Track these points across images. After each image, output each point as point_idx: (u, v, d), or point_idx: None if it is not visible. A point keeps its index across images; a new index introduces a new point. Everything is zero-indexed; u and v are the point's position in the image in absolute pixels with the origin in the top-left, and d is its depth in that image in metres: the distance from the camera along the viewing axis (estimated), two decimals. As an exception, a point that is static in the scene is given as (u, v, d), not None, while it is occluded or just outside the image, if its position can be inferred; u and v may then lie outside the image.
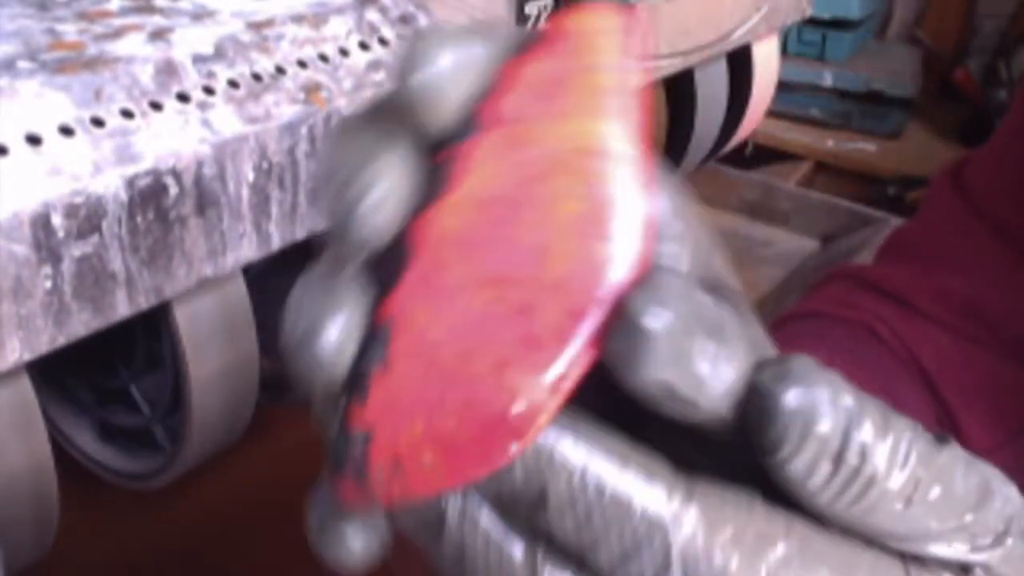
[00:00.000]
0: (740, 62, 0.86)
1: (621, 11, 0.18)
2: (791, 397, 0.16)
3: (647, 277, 0.16)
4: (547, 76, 0.17)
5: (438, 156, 0.17)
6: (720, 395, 0.17)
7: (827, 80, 1.53)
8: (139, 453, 0.56)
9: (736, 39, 0.77)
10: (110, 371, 0.56)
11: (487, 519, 0.18)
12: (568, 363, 0.16)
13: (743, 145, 1.02)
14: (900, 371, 0.48)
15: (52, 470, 0.42)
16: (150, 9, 0.46)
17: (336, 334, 0.17)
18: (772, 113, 1.05)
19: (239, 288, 0.48)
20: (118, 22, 0.44)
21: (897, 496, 0.17)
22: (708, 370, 0.16)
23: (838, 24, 1.51)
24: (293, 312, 0.18)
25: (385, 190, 0.17)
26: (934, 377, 0.47)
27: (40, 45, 0.40)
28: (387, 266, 0.18)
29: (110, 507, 0.56)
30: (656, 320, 0.16)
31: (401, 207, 0.17)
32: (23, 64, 0.39)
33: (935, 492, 0.18)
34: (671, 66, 0.72)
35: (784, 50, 1.18)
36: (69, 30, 0.42)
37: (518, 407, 0.16)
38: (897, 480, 0.17)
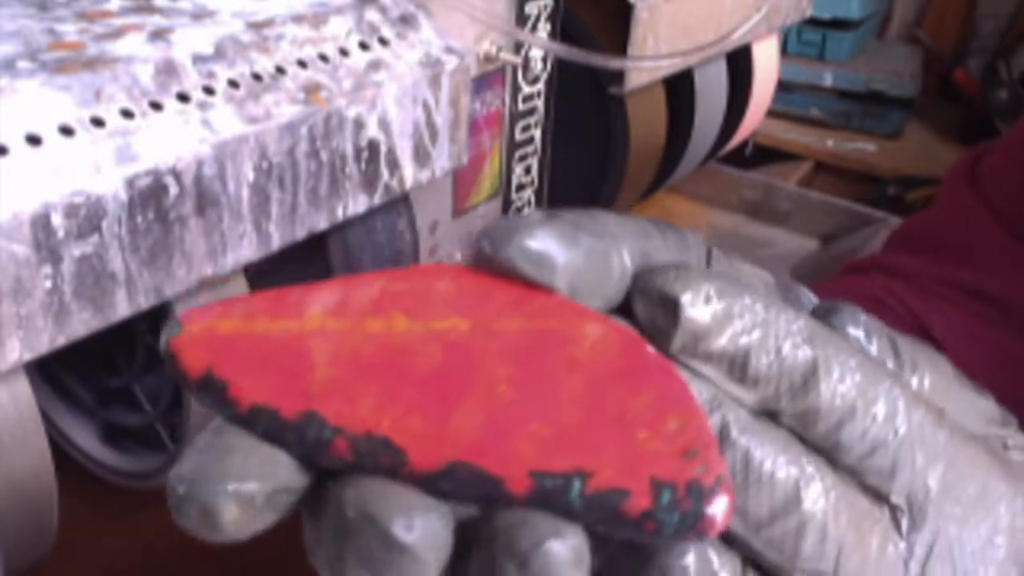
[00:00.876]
0: (740, 62, 0.86)
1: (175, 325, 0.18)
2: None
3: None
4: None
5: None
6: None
7: (827, 80, 1.53)
8: (140, 453, 0.56)
9: (736, 39, 0.77)
10: (111, 370, 0.56)
11: None
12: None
13: (743, 145, 1.02)
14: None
15: (52, 471, 0.42)
16: (150, 9, 0.46)
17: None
18: (772, 113, 1.05)
19: (240, 288, 0.48)
20: (118, 22, 0.44)
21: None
22: None
23: (838, 24, 1.51)
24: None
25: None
26: (943, 346, 0.47)
27: (40, 45, 0.40)
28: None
29: (110, 507, 0.56)
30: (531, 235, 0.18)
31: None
32: (23, 64, 0.39)
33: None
34: (671, 66, 0.72)
35: (784, 50, 1.18)
36: (69, 30, 0.42)
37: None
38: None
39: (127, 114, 0.39)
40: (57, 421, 0.57)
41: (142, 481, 0.55)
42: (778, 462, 0.19)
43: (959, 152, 1.52)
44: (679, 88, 0.80)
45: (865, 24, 1.56)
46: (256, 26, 0.45)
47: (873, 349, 0.21)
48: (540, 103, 0.64)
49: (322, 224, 0.47)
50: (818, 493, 0.19)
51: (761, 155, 1.40)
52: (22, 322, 0.36)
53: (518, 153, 0.64)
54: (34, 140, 0.36)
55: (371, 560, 0.16)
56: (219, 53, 0.43)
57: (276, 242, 0.45)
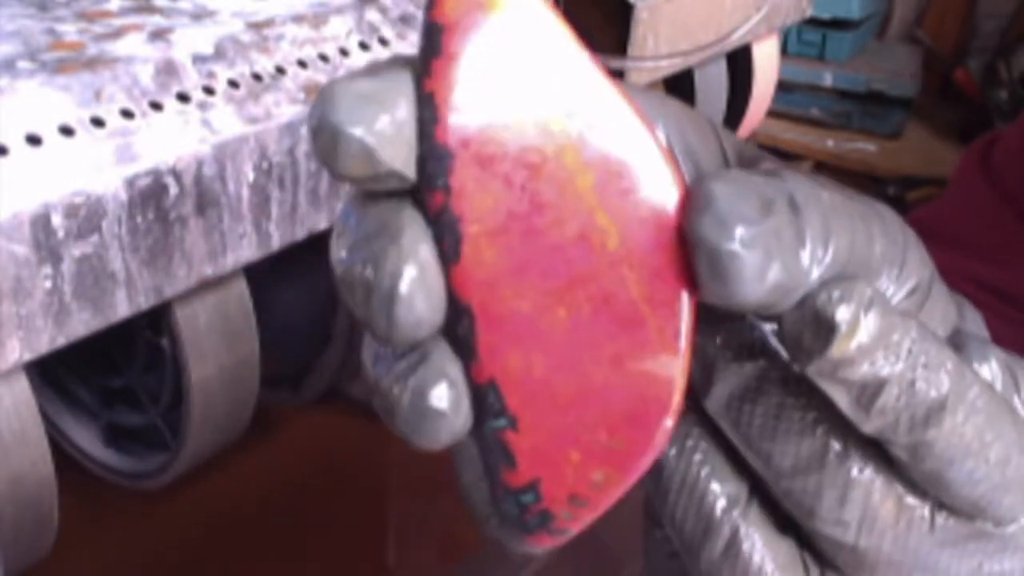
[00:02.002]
0: (740, 62, 0.86)
1: None
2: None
3: (695, 197, 0.16)
4: (477, 69, 0.16)
5: (430, 203, 0.16)
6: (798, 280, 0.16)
7: (827, 80, 1.53)
8: (140, 453, 0.56)
9: (736, 39, 0.77)
10: (111, 369, 0.56)
11: None
12: (680, 322, 0.16)
13: (743, 145, 1.02)
14: None
15: (52, 471, 0.42)
16: (150, 9, 0.46)
17: (446, 396, 0.17)
18: (772, 113, 1.05)
19: (240, 288, 0.48)
20: (118, 22, 0.44)
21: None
22: (797, 261, 0.16)
23: (838, 24, 1.51)
24: (387, 381, 0.17)
25: (415, 276, 0.16)
26: None
27: (40, 45, 0.40)
28: (452, 330, 0.17)
29: (110, 507, 0.56)
30: (732, 240, 0.15)
31: (435, 274, 0.16)
32: (23, 64, 0.39)
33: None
34: (671, 66, 0.72)
35: (784, 50, 1.18)
36: (69, 30, 0.42)
37: (655, 389, 0.16)
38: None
39: (127, 114, 0.39)
40: (58, 421, 0.57)
41: (143, 481, 0.55)
42: (878, 500, 0.18)
43: (959, 152, 1.52)
44: (679, 88, 0.80)
45: (865, 24, 1.56)
46: (256, 26, 0.45)
47: (998, 385, 0.19)
48: (540, 103, 0.64)
49: (322, 224, 0.47)
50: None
51: (761, 155, 1.40)
52: (22, 322, 0.36)
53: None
54: (34, 140, 0.36)
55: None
56: (219, 53, 0.43)
57: (276, 242, 0.45)
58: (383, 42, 0.49)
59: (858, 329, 0.17)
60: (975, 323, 0.22)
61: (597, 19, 0.71)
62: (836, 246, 0.17)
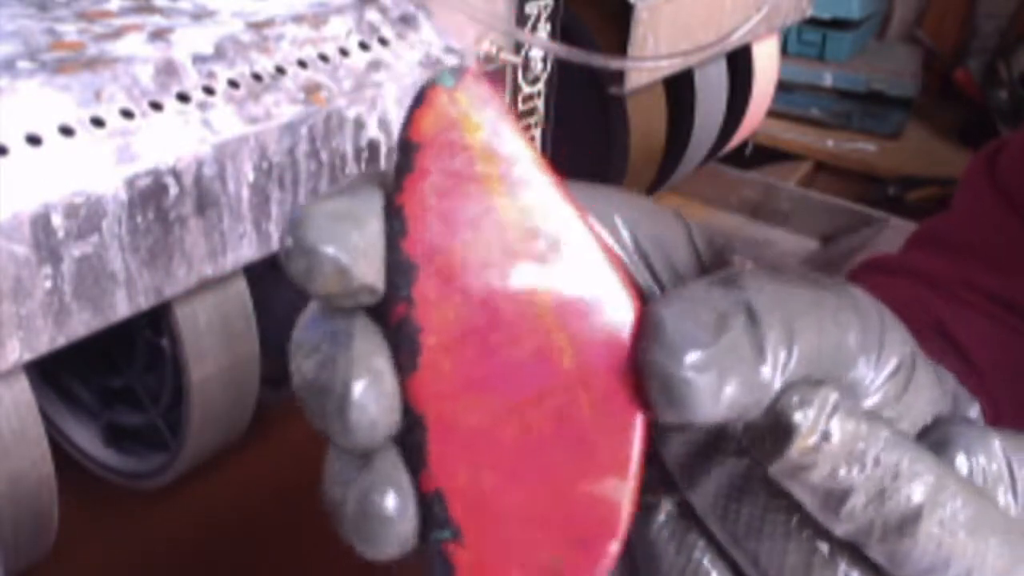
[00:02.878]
0: (740, 62, 0.86)
1: (458, 74, 0.17)
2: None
3: (645, 323, 0.16)
4: (447, 186, 0.16)
5: (392, 313, 0.17)
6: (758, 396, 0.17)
7: (827, 80, 1.53)
8: (140, 453, 0.56)
9: (736, 39, 0.77)
10: (111, 369, 0.56)
11: None
12: (632, 448, 0.16)
13: (743, 145, 1.02)
14: (934, 343, 0.47)
15: (52, 471, 0.42)
16: (150, 9, 0.46)
17: (392, 503, 0.17)
18: (772, 113, 1.05)
19: (240, 288, 0.48)
20: (118, 22, 0.44)
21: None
22: (758, 377, 0.16)
23: (838, 24, 1.51)
24: (335, 487, 0.18)
25: (367, 382, 0.16)
26: (971, 354, 0.47)
27: (40, 45, 0.40)
28: (404, 439, 0.17)
29: (110, 507, 0.56)
30: (682, 366, 0.16)
31: (389, 381, 0.17)
32: (23, 64, 0.39)
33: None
34: (671, 66, 0.72)
35: (784, 50, 1.18)
36: (69, 30, 0.42)
37: (602, 512, 0.16)
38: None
39: (127, 114, 0.39)
40: (58, 421, 0.57)
41: (143, 481, 0.55)
42: None
43: (959, 152, 1.53)
44: (679, 88, 0.80)
45: (865, 24, 1.56)
46: (256, 26, 0.45)
47: (989, 476, 0.19)
48: (540, 103, 0.64)
49: (322, 224, 0.47)
50: None
51: (761, 155, 1.40)
52: (22, 322, 0.36)
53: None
54: (34, 140, 0.36)
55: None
56: (219, 53, 0.43)
57: (276, 242, 0.45)
58: (383, 42, 0.49)
59: (815, 433, 0.17)
60: (970, 407, 0.22)
61: (597, 19, 0.71)
62: (801, 347, 0.17)
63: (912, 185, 1.42)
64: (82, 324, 0.38)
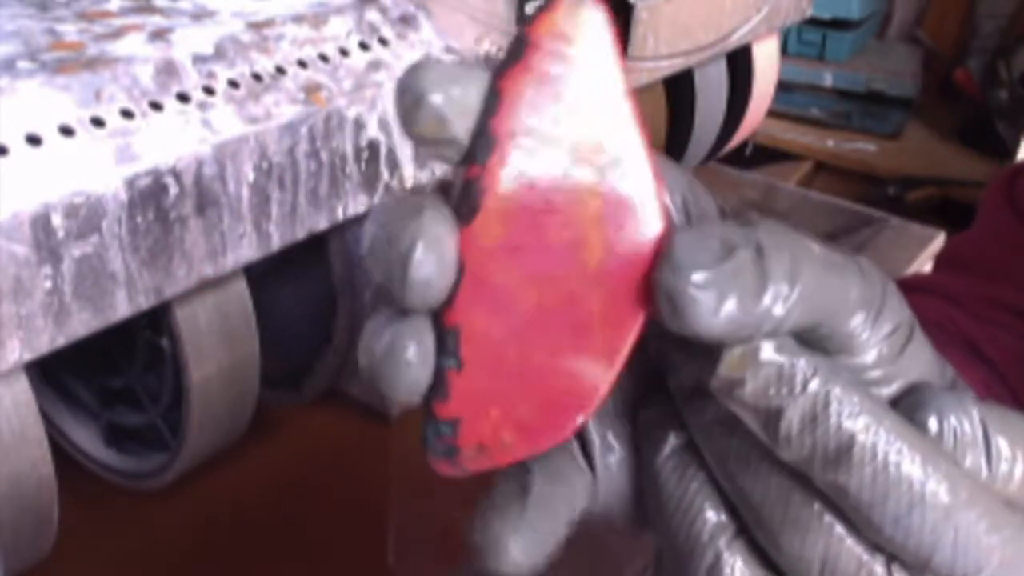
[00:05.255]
0: (740, 62, 0.86)
1: (594, 2, 0.19)
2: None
3: (664, 246, 0.19)
4: (544, 84, 0.19)
5: (467, 173, 0.19)
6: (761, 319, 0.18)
7: (827, 80, 1.53)
8: (140, 453, 0.56)
9: (736, 39, 0.77)
10: (111, 369, 0.56)
11: None
12: (624, 345, 0.19)
13: (743, 145, 1.02)
14: (965, 357, 0.49)
15: (52, 471, 0.42)
16: (150, 9, 0.46)
17: (414, 349, 0.19)
18: (772, 113, 1.05)
19: (240, 288, 0.48)
20: (118, 22, 0.44)
21: None
22: (760, 304, 0.18)
23: (838, 24, 1.51)
24: (374, 343, 0.20)
25: (429, 244, 0.19)
26: (1000, 367, 0.48)
27: (40, 45, 0.40)
28: None
29: (110, 507, 0.56)
30: (687, 283, 0.18)
31: (449, 255, 0.19)
32: (23, 64, 0.39)
33: None
34: (671, 66, 0.72)
35: (784, 50, 1.18)
36: (69, 30, 0.42)
37: (581, 388, 0.19)
38: None
39: (127, 114, 0.39)
40: (58, 422, 0.57)
41: (143, 481, 0.55)
42: (837, 547, 0.19)
43: (959, 152, 1.53)
44: (679, 88, 0.80)
45: (865, 24, 1.56)
46: (256, 26, 0.45)
47: (961, 440, 0.20)
48: (540, 103, 0.64)
49: (322, 224, 0.47)
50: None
51: (761, 155, 1.40)
52: (22, 322, 0.36)
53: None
54: (34, 140, 0.36)
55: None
56: (219, 53, 0.43)
57: (276, 242, 0.45)
58: (383, 42, 0.49)
59: (744, 350, 0.19)
60: (965, 392, 0.23)
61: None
62: (804, 286, 0.18)
63: (912, 185, 1.42)
64: (82, 324, 0.38)
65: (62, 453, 0.56)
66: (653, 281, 0.18)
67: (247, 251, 0.44)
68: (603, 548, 0.56)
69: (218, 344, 0.48)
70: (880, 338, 0.20)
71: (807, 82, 1.53)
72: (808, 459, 0.19)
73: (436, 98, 0.18)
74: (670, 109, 0.80)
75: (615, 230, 0.19)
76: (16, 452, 0.40)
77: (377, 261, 0.19)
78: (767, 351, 0.19)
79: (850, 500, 0.19)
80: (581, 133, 0.19)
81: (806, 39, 1.52)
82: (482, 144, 0.19)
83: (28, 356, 0.37)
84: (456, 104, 0.19)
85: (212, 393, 0.48)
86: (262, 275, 0.49)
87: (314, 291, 0.56)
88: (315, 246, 0.52)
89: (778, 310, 0.18)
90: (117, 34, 0.42)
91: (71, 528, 0.45)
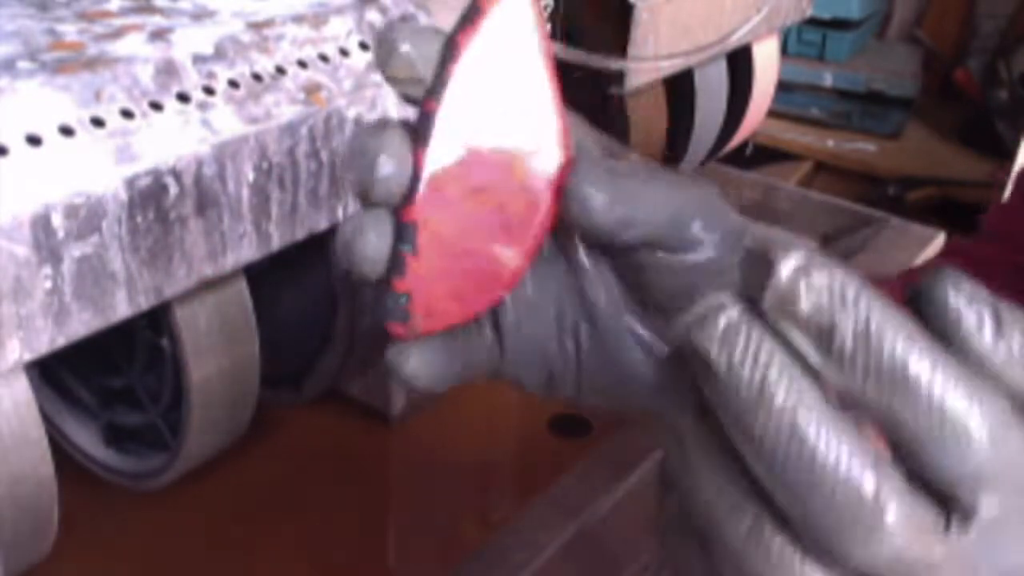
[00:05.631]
0: (740, 62, 0.86)
1: None
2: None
3: (576, 168, 0.25)
4: (487, 42, 0.25)
5: (424, 107, 0.25)
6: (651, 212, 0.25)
7: (827, 80, 1.53)
8: (140, 453, 0.56)
9: (736, 39, 0.77)
10: (111, 369, 0.56)
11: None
12: (535, 238, 0.26)
13: (743, 145, 1.02)
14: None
15: (52, 471, 0.42)
16: (150, 9, 0.46)
17: (375, 233, 0.25)
18: (772, 113, 1.05)
19: (240, 288, 0.48)
20: (118, 22, 0.44)
21: None
22: (631, 194, 0.24)
23: (838, 24, 1.51)
24: (346, 228, 0.25)
25: (391, 152, 0.24)
26: None
27: (40, 45, 0.40)
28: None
29: (110, 507, 0.56)
30: (587, 186, 0.24)
31: (405, 152, 0.25)
32: (23, 64, 0.39)
33: None
34: (671, 66, 0.72)
35: (784, 50, 1.18)
36: (69, 30, 0.42)
37: (505, 270, 0.26)
38: None
39: (127, 114, 0.39)
40: (58, 421, 0.57)
41: (143, 481, 0.55)
42: (847, 464, 0.19)
43: (959, 152, 1.52)
44: (679, 88, 0.80)
45: (865, 24, 1.56)
46: (256, 26, 0.45)
47: (973, 318, 0.20)
48: (540, 103, 0.64)
49: (322, 224, 0.47)
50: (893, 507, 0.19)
51: (761, 155, 1.40)
52: (22, 322, 0.36)
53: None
54: (34, 140, 0.36)
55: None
56: (219, 53, 0.43)
57: (276, 242, 0.45)
58: (383, 42, 0.49)
59: (801, 267, 0.20)
60: None
61: (597, 20, 0.71)
62: (656, 194, 0.25)
63: (912, 185, 1.42)
64: (82, 324, 0.38)
65: (62, 453, 0.56)
66: (564, 190, 0.25)
67: (247, 251, 0.44)
68: (603, 549, 0.56)
69: (218, 344, 0.48)
70: (717, 241, 0.26)
71: (807, 82, 1.53)
72: (864, 380, 0.19)
73: (406, 47, 0.24)
74: (670, 109, 0.80)
75: (533, 157, 0.25)
76: (16, 452, 0.40)
77: (351, 168, 0.25)
78: (819, 265, 0.19)
79: (904, 431, 0.19)
80: (511, 82, 0.25)
81: (806, 39, 1.52)
82: (439, 84, 0.24)
83: (28, 356, 0.37)
84: (422, 52, 0.24)
85: (212, 393, 0.48)
86: (262, 275, 0.49)
87: (314, 291, 0.56)
88: (315, 246, 0.52)
89: (660, 214, 0.25)
90: (117, 34, 0.42)
91: (71, 528, 0.45)
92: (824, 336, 0.19)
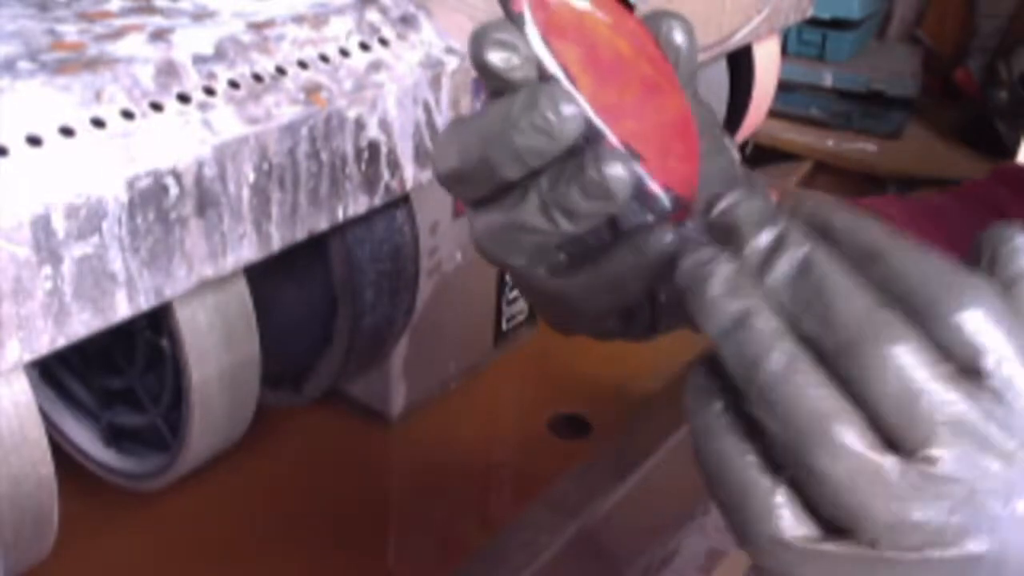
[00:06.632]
0: (741, 63, 0.86)
1: None
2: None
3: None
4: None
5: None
6: None
7: (827, 80, 1.53)
8: (141, 454, 0.56)
9: (737, 40, 0.77)
10: (111, 369, 0.55)
11: None
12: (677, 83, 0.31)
13: (743, 145, 1.02)
14: None
15: (52, 471, 0.42)
16: (150, 10, 0.46)
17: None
18: (772, 113, 1.05)
19: (240, 288, 0.48)
20: (118, 23, 0.44)
21: None
22: None
23: (838, 24, 1.50)
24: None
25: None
26: None
27: (41, 46, 0.40)
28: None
29: (110, 507, 0.56)
30: None
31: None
32: (24, 64, 0.39)
33: None
34: (671, 66, 0.72)
35: (784, 50, 1.18)
36: (70, 31, 0.42)
37: (680, 114, 0.30)
38: None
39: (127, 115, 0.39)
40: (58, 421, 0.57)
41: (143, 482, 0.55)
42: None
43: (959, 152, 1.52)
44: (679, 88, 0.80)
45: (865, 24, 1.56)
46: (257, 26, 0.45)
47: None
48: (540, 103, 0.64)
49: (323, 225, 0.47)
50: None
51: (761, 155, 1.40)
52: (22, 323, 0.36)
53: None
54: (34, 141, 0.36)
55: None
56: (220, 54, 0.43)
57: (276, 243, 0.45)
58: (383, 42, 0.49)
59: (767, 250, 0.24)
60: None
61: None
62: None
63: (912, 185, 1.42)
64: (82, 325, 0.38)
65: (62, 453, 0.56)
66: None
67: (247, 252, 0.44)
68: (604, 551, 0.56)
69: (218, 344, 0.48)
70: None
71: (807, 82, 1.53)
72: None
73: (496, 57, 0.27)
74: (670, 109, 0.80)
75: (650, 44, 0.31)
76: (16, 452, 0.40)
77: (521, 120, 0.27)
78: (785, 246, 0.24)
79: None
80: (603, 34, 0.29)
81: (806, 39, 1.52)
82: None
83: (28, 356, 0.37)
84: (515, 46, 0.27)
85: (212, 393, 0.48)
86: (262, 275, 0.49)
87: (314, 291, 0.56)
88: (315, 246, 0.52)
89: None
90: (118, 34, 0.42)
91: (71, 528, 0.45)
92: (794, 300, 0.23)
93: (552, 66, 0.28)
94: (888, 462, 0.22)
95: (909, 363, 0.21)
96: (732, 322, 0.23)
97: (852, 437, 0.22)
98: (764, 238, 0.24)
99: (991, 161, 1.46)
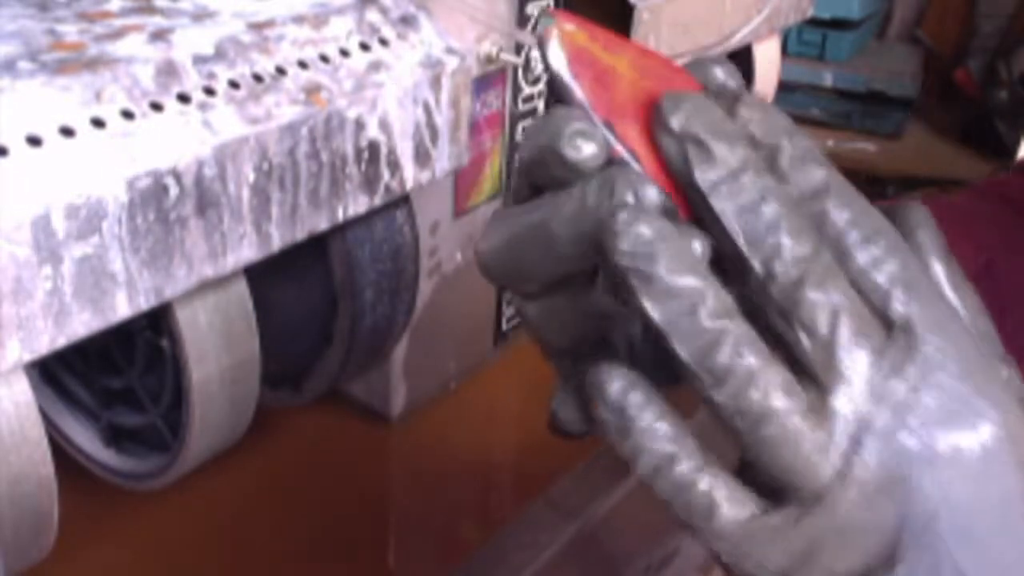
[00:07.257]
0: (741, 63, 0.86)
1: (553, 15, 0.30)
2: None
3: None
4: (595, 78, 0.30)
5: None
6: None
7: (827, 80, 1.53)
8: (140, 453, 0.56)
9: (737, 40, 0.77)
10: (111, 370, 0.55)
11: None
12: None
13: (743, 145, 1.02)
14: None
15: (52, 471, 0.42)
16: (150, 10, 0.46)
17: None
18: (772, 113, 1.05)
19: (240, 288, 0.48)
20: (119, 23, 0.44)
21: None
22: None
23: (838, 24, 1.50)
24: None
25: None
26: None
27: (41, 46, 0.40)
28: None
29: (110, 507, 0.56)
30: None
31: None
32: (23, 64, 0.39)
33: None
34: (671, 66, 0.72)
35: (784, 50, 1.18)
36: (70, 30, 0.42)
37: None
38: None
39: (128, 115, 0.39)
40: (58, 421, 0.57)
41: (143, 482, 0.55)
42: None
43: (959, 152, 1.52)
44: (679, 88, 0.80)
45: (865, 24, 1.56)
46: (257, 27, 0.45)
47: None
48: (541, 103, 0.64)
49: (323, 225, 0.47)
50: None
51: (761, 155, 1.40)
52: (22, 323, 0.36)
53: (519, 154, 0.64)
54: (34, 141, 0.36)
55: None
56: (220, 54, 0.43)
57: (276, 243, 0.45)
58: (383, 43, 0.49)
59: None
60: None
61: (598, 20, 0.70)
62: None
63: (912, 185, 1.42)
64: (82, 325, 0.38)
65: (62, 453, 0.56)
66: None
67: (247, 252, 0.44)
68: (604, 552, 0.56)
69: (218, 344, 0.48)
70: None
71: (807, 82, 1.53)
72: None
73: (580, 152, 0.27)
74: (670, 109, 0.80)
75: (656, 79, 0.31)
76: (16, 452, 0.40)
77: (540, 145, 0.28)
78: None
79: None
80: (628, 81, 0.30)
81: (806, 39, 1.52)
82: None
83: (28, 357, 0.37)
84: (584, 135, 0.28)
85: (212, 393, 0.48)
86: (262, 275, 0.49)
87: (314, 291, 0.56)
88: (315, 247, 0.52)
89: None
90: (118, 34, 0.42)
91: (71, 528, 0.45)
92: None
93: (620, 148, 0.27)
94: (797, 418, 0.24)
95: (837, 302, 0.24)
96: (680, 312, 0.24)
97: (780, 399, 0.24)
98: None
99: (991, 161, 1.46)
